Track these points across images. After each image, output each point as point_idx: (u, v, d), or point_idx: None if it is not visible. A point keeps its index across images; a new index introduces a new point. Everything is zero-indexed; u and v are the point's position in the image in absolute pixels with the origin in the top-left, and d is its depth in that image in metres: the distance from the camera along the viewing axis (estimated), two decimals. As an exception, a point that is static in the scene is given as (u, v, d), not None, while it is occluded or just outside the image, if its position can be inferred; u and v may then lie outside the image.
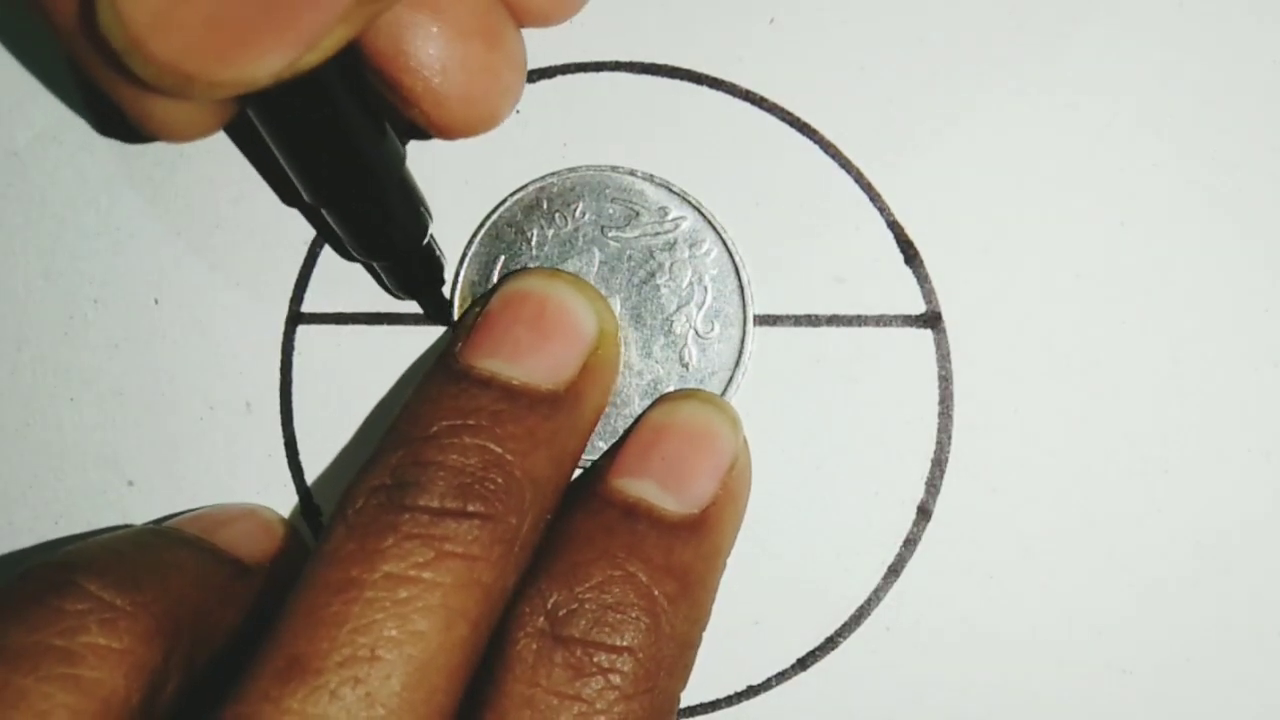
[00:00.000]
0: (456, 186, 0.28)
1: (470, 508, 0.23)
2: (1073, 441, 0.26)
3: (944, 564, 0.27)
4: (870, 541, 0.27)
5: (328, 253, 0.28)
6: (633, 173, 0.27)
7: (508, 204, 0.27)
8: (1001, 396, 0.27)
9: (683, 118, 0.27)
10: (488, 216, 0.28)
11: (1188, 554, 0.26)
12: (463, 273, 0.28)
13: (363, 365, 0.28)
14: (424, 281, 0.27)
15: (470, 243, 0.28)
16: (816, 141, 0.27)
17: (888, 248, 0.27)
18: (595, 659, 0.23)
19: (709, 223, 0.27)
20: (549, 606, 0.23)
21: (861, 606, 0.27)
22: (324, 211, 0.25)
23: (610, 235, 0.27)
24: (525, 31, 0.25)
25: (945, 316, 0.27)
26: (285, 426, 0.29)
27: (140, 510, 0.29)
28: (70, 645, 0.22)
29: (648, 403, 0.27)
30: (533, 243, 0.27)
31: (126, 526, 0.29)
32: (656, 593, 0.23)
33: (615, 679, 0.23)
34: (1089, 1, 0.26)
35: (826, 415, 0.27)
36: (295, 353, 0.29)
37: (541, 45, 0.25)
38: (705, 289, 0.27)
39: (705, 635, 0.25)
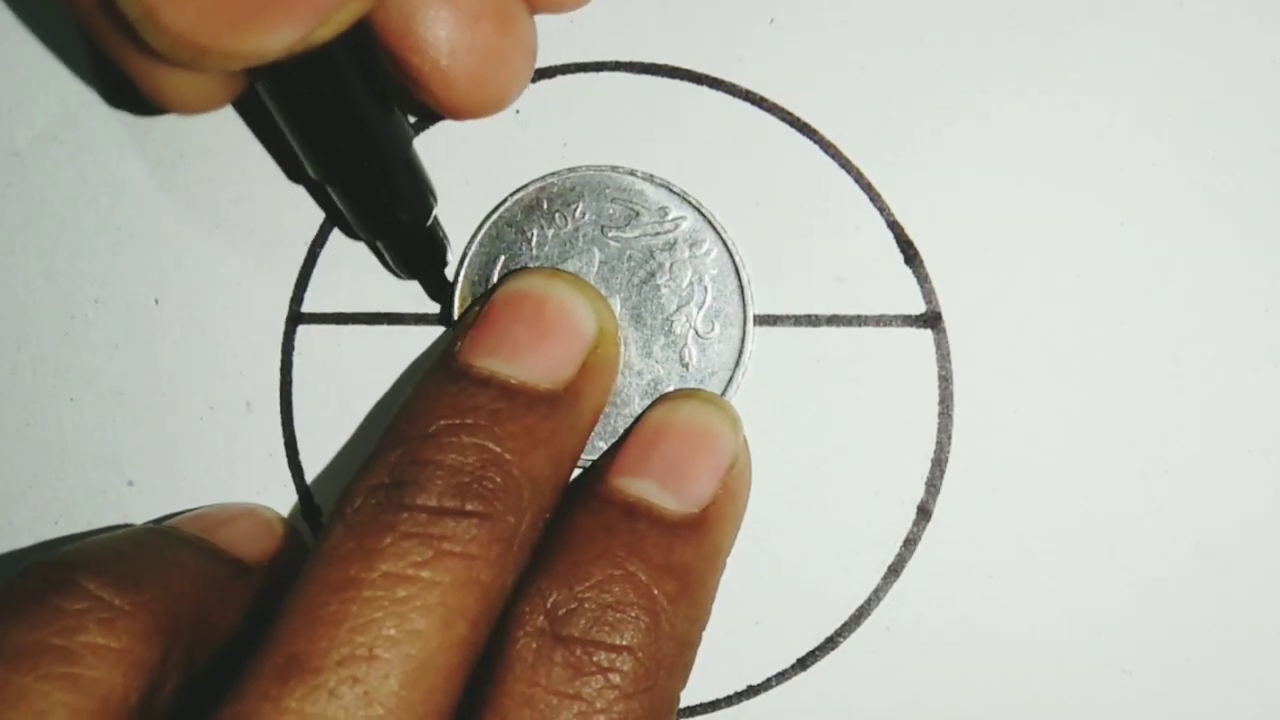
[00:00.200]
0: (456, 186, 0.28)
1: (468, 507, 0.23)
2: (1073, 441, 0.26)
3: (944, 564, 0.27)
4: (870, 541, 0.27)
5: (328, 253, 0.28)
6: (633, 173, 0.27)
7: (508, 204, 0.27)
8: (1001, 396, 0.27)
9: (683, 118, 0.27)
10: (488, 216, 0.28)
11: (1188, 554, 0.26)
12: (463, 273, 0.28)
13: (363, 365, 0.28)
14: (427, 262, 0.27)
15: (470, 243, 0.28)
16: (816, 141, 0.27)
17: (888, 248, 0.27)
18: (595, 658, 0.23)
19: (709, 223, 0.27)
20: (549, 606, 0.23)
21: (861, 606, 0.27)
22: (329, 189, 0.25)
23: (610, 235, 0.27)
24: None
25: (945, 316, 0.27)
26: (285, 426, 0.29)
27: (140, 510, 0.29)
28: (69, 644, 0.22)
29: (648, 403, 0.27)
30: (533, 243, 0.27)
31: (126, 526, 0.29)
32: (656, 592, 0.23)
33: (615, 678, 0.22)
34: (1089, 1, 0.26)
35: (826, 415, 0.27)
36: (295, 353, 0.29)
37: (542, 45, 0.25)
38: (705, 289, 0.27)
39: (705, 635, 0.25)
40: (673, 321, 0.27)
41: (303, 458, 0.29)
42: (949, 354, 0.27)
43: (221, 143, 0.28)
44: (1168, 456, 0.26)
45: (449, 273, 0.28)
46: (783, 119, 0.27)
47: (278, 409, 0.29)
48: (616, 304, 0.27)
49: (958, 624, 0.27)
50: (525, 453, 0.23)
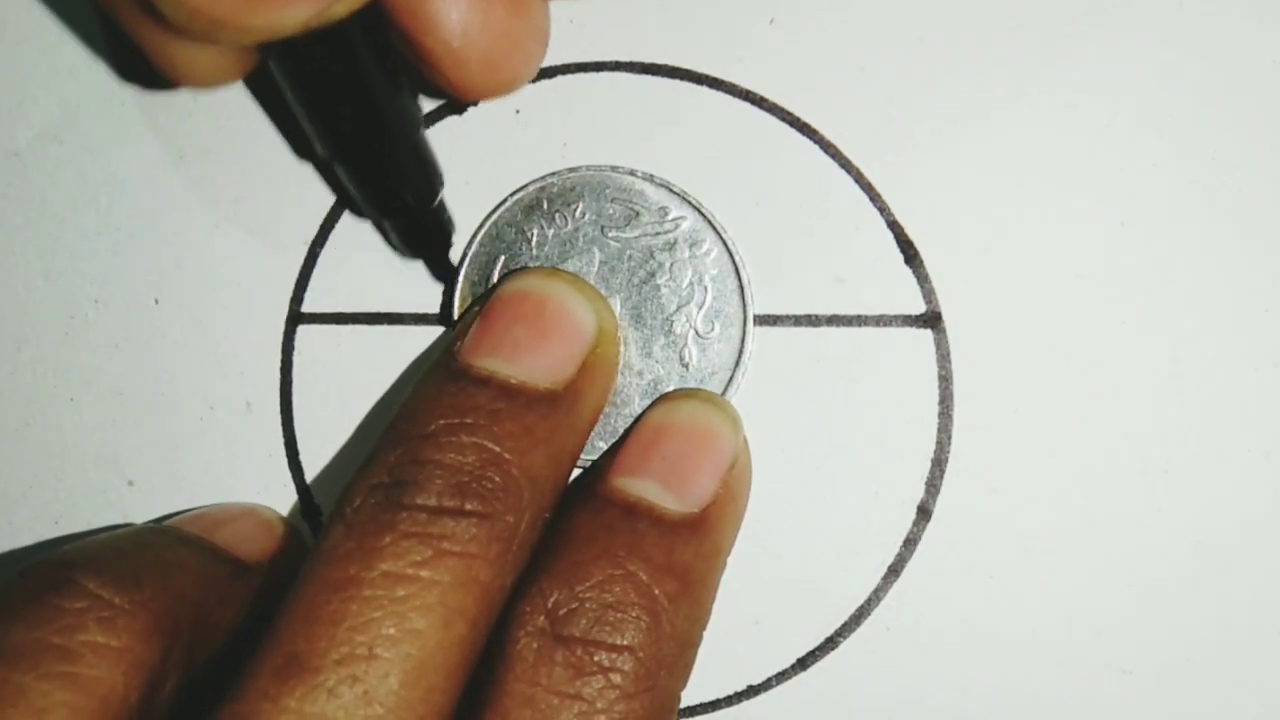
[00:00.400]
0: (457, 186, 0.28)
1: (468, 506, 0.23)
2: (1073, 441, 0.26)
3: (944, 564, 0.27)
4: (870, 541, 0.27)
5: (328, 253, 0.28)
6: (633, 173, 0.27)
7: (508, 204, 0.27)
8: (1001, 396, 0.27)
9: (683, 118, 0.27)
10: (488, 216, 0.28)
11: (1188, 554, 0.26)
12: (463, 273, 0.28)
13: (363, 365, 0.28)
14: (432, 243, 0.27)
15: (470, 243, 0.28)
16: (816, 141, 0.27)
17: (888, 248, 0.27)
18: (596, 658, 0.23)
19: (709, 223, 0.27)
20: (549, 605, 0.23)
21: (861, 606, 0.27)
22: (336, 167, 0.25)
23: (610, 235, 0.27)
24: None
25: (945, 316, 0.27)
26: (285, 426, 0.29)
27: (140, 510, 0.29)
28: (69, 643, 0.22)
29: (648, 403, 0.27)
30: (533, 243, 0.27)
31: (126, 526, 0.29)
32: (657, 592, 0.23)
33: (616, 678, 0.22)
34: (1089, 1, 0.26)
35: (826, 415, 0.27)
36: (295, 353, 0.29)
37: (542, 44, 0.25)
38: (705, 289, 0.27)
39: (705, 635, 0.25)
40: (673, 321, 0.27)
41: (303, 458, 0.29)
42: (949, 354, 0.27)
43: (221, 142, 0.28)
44: (1168, 456, 0.26)
45: (454, 255, 0.28)
46: (783, 119, 0.27)
47: (278, 409, 0.29)
48: (616, 304, 0.27)
49: (958, 624, 0.27)
50: (525, 452, 0.23)
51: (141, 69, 0.28)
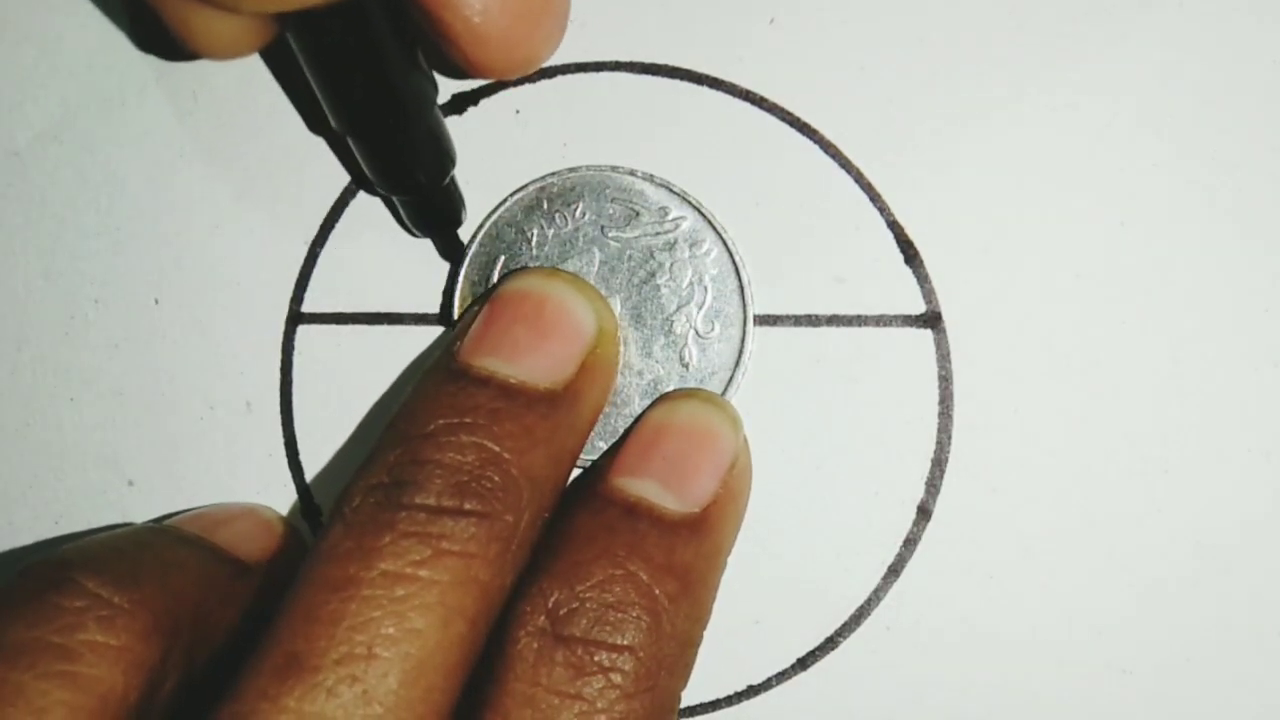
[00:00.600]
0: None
1: (467, 506, 0.23)
2: (1073, 441, 0.26)
3: (944, 564, 0.27)
4: (870, 541, 0.27)
5: (328, 253, 0.28)
6: (633, 173, 0.27)
7: (508, 204, 0.27)
8: (1001, 396, 0.27)
9: (683, 118, 0.27)
10: (488, 216, 0.28)
11: (1188, 554, 0.26)
12: (463, 273, 0.28)
13: (363, 365, 0.28)
14: (441, 221, 0.27)
15: (470, 243, 0.28)
16: (816, 141, 0.27)
17: (888, 248, 0.27)
18: (596, 658, 0.23)
19: (709, 223, 0.27)
20: (550, 605, 0.23)
21: (861, 606, 0.27)
22: (350, 141, 0.25)
23: (610, 235, 0.27)
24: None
25: (945, 316, 0.27)
26: (285, 426, 0.29)
27: (140, 510, 0.29)
28: (68, 642, 0.22)
29: (648, 403, 0.27)
30: (533, 243, 0.27)
31: (126, 526, 0.29)
32: (657, 592, 0.23)
33: (616, 678, 0.22)
34: (1089, 1, 0.26)
35: (826, 415, 0.27)
36: (295, 353, 0.29)
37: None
38: (705, 289, 0.27)
39: (705, 635, 0.25)
40: (673, 321, 0.27)
41: (303, 457, 0.29)
42: (949, 354, 0.27)
43: (221, 142, 0.28)
44: (1168, 456, 0.26)
45: (463, 234, 0.28)
46: (783, 119, 0.27)
47: (278, 409, 0.29)
48: (616, 304, 0.27)
49: (958, 624, 0.27)
50: (524, 452, 0.23)
51: (160, 40, 0.28)
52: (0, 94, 0.29)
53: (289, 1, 0.20)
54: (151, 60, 0.29)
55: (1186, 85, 0.26)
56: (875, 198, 0.27)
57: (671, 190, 0.27)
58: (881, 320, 0.27)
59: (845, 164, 0.27)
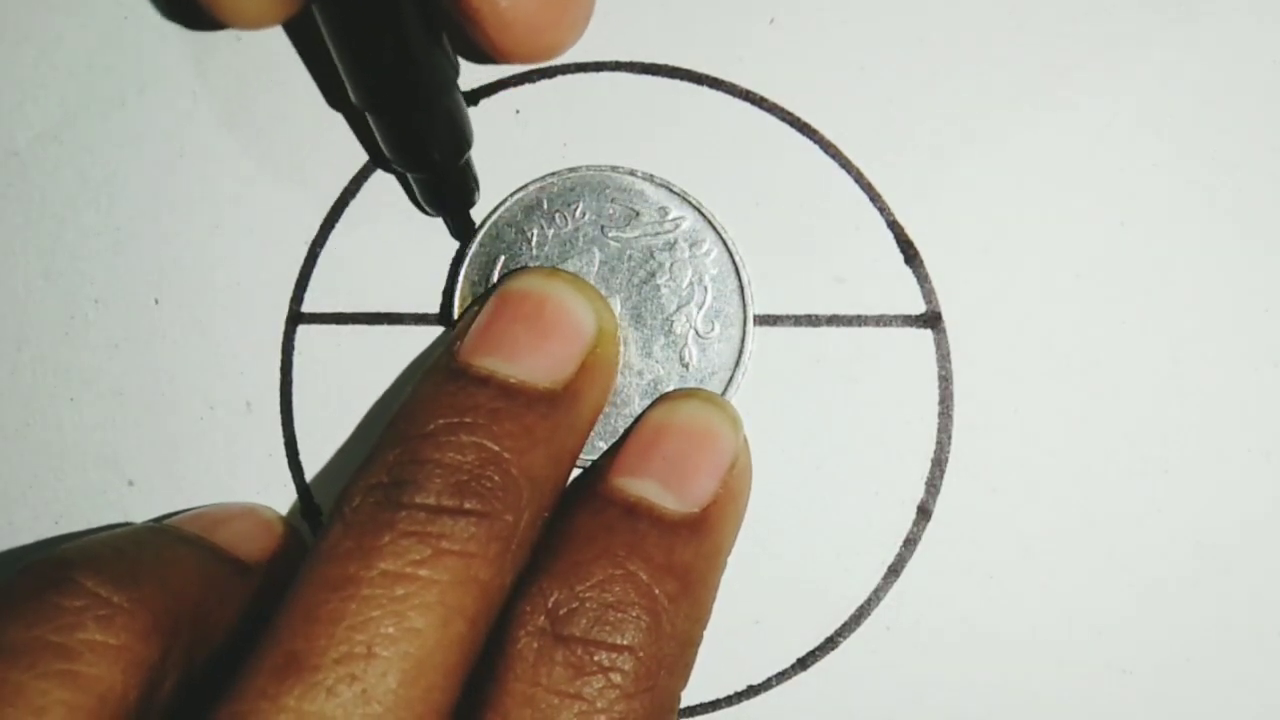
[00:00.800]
0: (457, 186, 0.28)
1: (467, 505, 0.23)
2: (1073, 441, 0.26)
3: (944, 564, 0.27)
4: (870, 541, 0.27)
5: (328, 253, 0.28)
6: (633, 173, 0.27)
7: (508, 204, 0.27)
8: (1001, 396, 0.27)
9: (683, 118, 0.27)
10: (488, 216, 0.28)
11: (1188, 554, 0.26)
12: (463, 273, 0.28)
13: (363, 365, 0.28)
14: (455, 202, 0.27)
15: (470, 243, 0.28)
16: (816, 141, 0.27)
17: (888, 248, 0.27)
18: (596, 658, 0.22)
19: (709, 223, 0.27)
20: (550, 605, 0.23)
21: (861, 606, 0.27)
22: (369, 117, 0.25)
23: (610, 235, 0.27)
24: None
25: (945, 316, 0.27)
26: (285, 426, 0.29)
27: (140, 510, 0.29)
28: (67, 641, 0.22)
29: (648, 403, 0.27)
30: (533, 243, 0.27)
31: (126, 525, 0.29)
32: (657, 591, 0.23)
33: (616, 678, 0.22)
34: (1089, 1, 0.26)
35: (826, 415, 0.27)
36: (295, 353, 0.29)
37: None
38: (705, 289, 0.27)
39: (705, 635, 0.25)
40: (673, 321, 0.27)
41: (303, 458, 0.29)
42: (949, 354, 0.27)
43: (221, 142, 0.28)
44: (1168, 456, 0.26)
45: (475, 214, 0.28)
46: (783, 119, 0.27)
47: (278, 409, 0.29)
48: (616, 304, 0.27)
49: (958, 624, 0.27)
50: (524, 452, 0.23)
51: (186, 8, 0.28)
52: (0, 94, 0.29)
53: None
54: (151, 60, 0.29)
55: (1186, 85, 0.26)
56: (875, 198, 0.27)
57: (671, 190, 0.27)
58: (881, 320, 0.27)
59: (845, 164, 0.27)
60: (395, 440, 0.24)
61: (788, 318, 0.27)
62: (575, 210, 0.27)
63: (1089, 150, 0.26)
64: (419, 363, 0.28)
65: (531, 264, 0.27)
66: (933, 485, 0.27)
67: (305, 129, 0.28)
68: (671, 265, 0.27)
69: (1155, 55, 0.26)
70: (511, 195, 0.27)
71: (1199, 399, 0.26)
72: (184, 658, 0.24)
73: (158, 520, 0.29)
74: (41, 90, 0.29)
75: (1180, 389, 0.26)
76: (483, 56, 0.26)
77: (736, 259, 0.27)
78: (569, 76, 0.28)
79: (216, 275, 0.29)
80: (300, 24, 0.27)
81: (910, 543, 0.27)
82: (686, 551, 0.24)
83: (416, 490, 0.23)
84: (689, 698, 0.27)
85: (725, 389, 0.27)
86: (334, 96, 0.28)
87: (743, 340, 0.27)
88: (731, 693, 0.27)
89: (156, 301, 0.29)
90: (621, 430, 0.27)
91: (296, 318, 0.29)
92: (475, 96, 0.28)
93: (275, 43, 0.28)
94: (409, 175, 0.27)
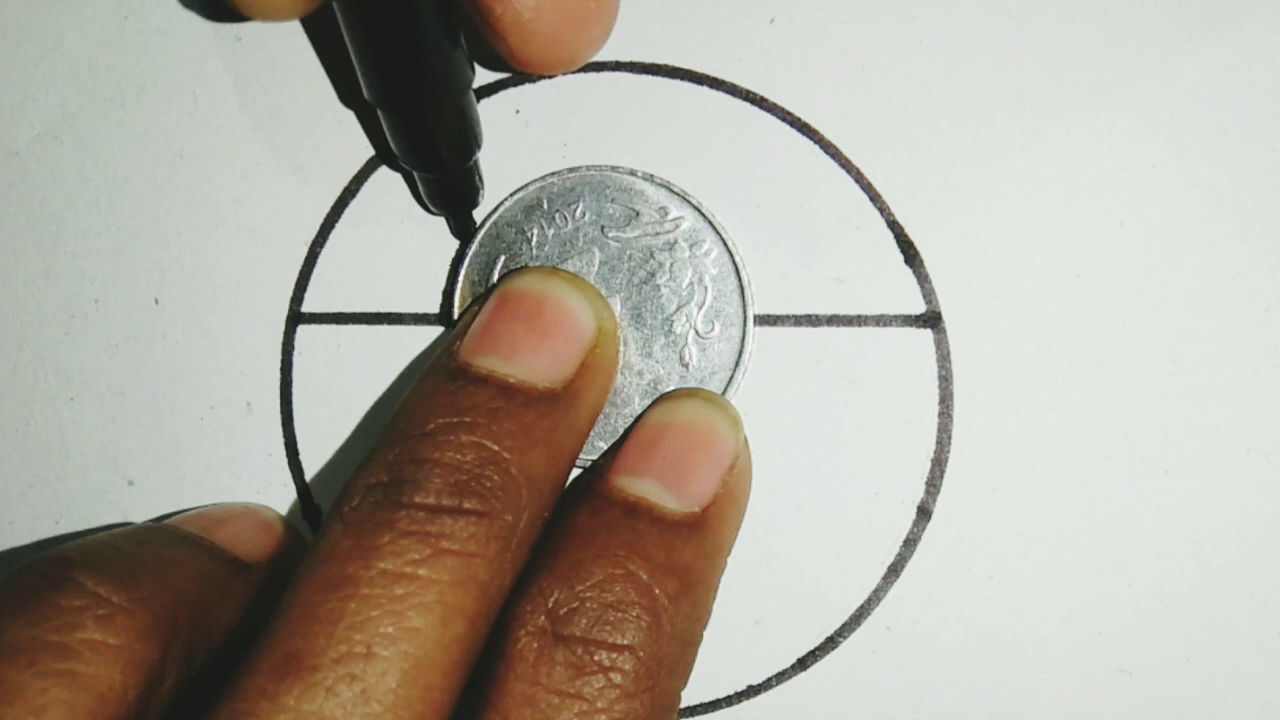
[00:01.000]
0: (457, 186, 0.28)
1: (466, 505, 0.23)
2: (1072, 441, 0.26)
3: (944, 564, 0.27)
4: (870, 541, 0.27)
5: (328, 253, 0.28)
6: (633, 173, 0.27)
7: (508, 204, 0.27)
8: (1001, 396, 0.27)
9: (683, 118, 0.27)
10: (488, 216, 0.28)
11: (1188, 554, 0.26)
12: (463, 273, 0.28)
13: (363, 365, 0.28)
14: (459, 202, 0.27)
15: (470, 243, 0.28)
16: (816, 141, 0.27)
17: (888, 248, 0.27)
18: (596, 657, 0.22)
19: (709, 223, 0.27)
20: (550, 605, 0.23)
21: (861, 606, 0.27)
22: (380, 114, 0.25)
23: (610, 235, 0.27)
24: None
25: (945, 316, 0.27)
26: (285, 426, 0.29)
27: (140, 510, 0.29)
28: (67, 641, 0.22)
29: (648, 402, 0.27)
30: (533, 243, 0.27)
31: (126, 525, 0.29)
32: (657, 591, 0.23)
33: (616, 677, 0.22)
34: (1089, 1, 0.26)
35: (826, 415, 0.27)
36: (295, 353, 0.29)
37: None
38: (705, 289, 0.27)
39: (705, 635, 0.25)
40: (673, 321, 0.27)
41: (303, 458, 0.29)
42: (949, 354, 0.27)
43: (221, 143, 0.28)
44: (1168, 456, 0.26)
45: (477, 215, 0.28)
46: (783, 119, 0.27)
47: (278, 409, 0.29)
48: (616, 304, 0.27)
49: (958, 624, 0.27)
50: (523, 451, 0.23)
51: (190, 6, 0.28)
52: (0, 94, 0.29)
53: None
54: (151, 60, 0.29)
55: (1186, 85, 0.26)
56: (875, 198, 0.27)
57: (671, 190, 0.27)
58: (881, 320, 0.27)
59: (845, 164, 0.27)
60: (394, 439, 0.24)
61: (788, 318, 0.27)
62: (575, 210, 0.27)
63: (1089, 150, 0.26)
64: (419, 363, 0.28)
65: (531, 264, 0.27)
66: (933, 485, 0.27)
67: (305, 129, 0.28)
68: (671, 265, 0.27)
69: (1155, 55, 0.26)
70: (512, 195, 0.27)
71: (1199, 399, 0.26)
72: (184, 657, 0.24)
73: (158, 520, 0.29)
74: (42, 90, 0.29)
75: (1180, 389, 0.26)
76: (501, 64, 0.26)
77: (736, 259, 0.27)
78: (569, 76, 0.28)
79: (216, 275, 0.29)
80: (308, 20, 0.27)
81: (910, 543, 0.27)
82: (687, 551, 0.24)
83: (416, 490, 0.23)
84: (689, 698, 0.27)
85: (725, 389, 0.27)
86: (343, 92, 0.28)
87: (743, 340, 0.27)
88: (731, 693, 0.27)
89: (156, 301, 0.29)
90: (621, 430, 0.27)
91: (297, 318, 0.29)
92: (475, 96, 0.28)
93: (275, 43, 0.28)
94: (415, 174, 0.27)
